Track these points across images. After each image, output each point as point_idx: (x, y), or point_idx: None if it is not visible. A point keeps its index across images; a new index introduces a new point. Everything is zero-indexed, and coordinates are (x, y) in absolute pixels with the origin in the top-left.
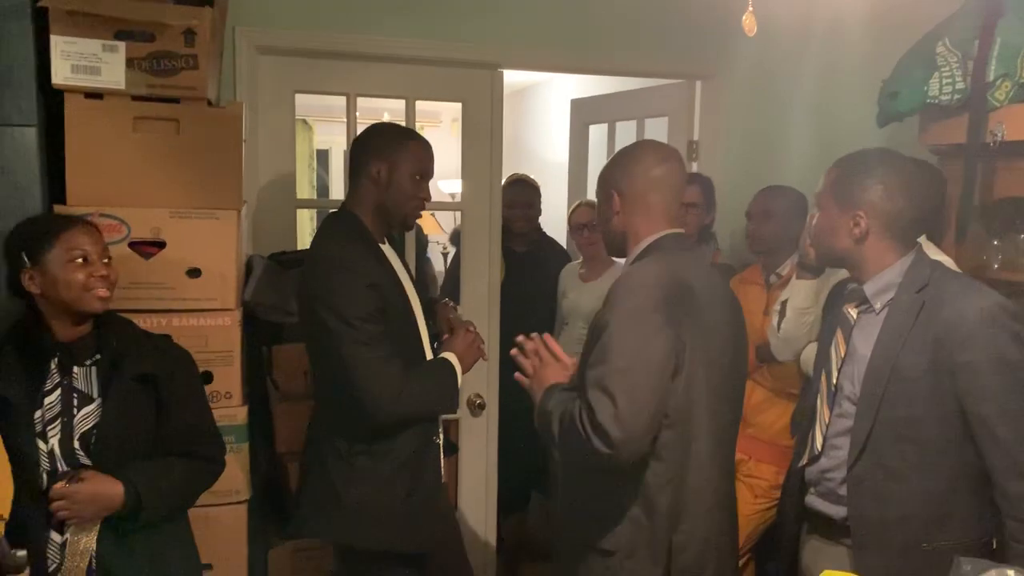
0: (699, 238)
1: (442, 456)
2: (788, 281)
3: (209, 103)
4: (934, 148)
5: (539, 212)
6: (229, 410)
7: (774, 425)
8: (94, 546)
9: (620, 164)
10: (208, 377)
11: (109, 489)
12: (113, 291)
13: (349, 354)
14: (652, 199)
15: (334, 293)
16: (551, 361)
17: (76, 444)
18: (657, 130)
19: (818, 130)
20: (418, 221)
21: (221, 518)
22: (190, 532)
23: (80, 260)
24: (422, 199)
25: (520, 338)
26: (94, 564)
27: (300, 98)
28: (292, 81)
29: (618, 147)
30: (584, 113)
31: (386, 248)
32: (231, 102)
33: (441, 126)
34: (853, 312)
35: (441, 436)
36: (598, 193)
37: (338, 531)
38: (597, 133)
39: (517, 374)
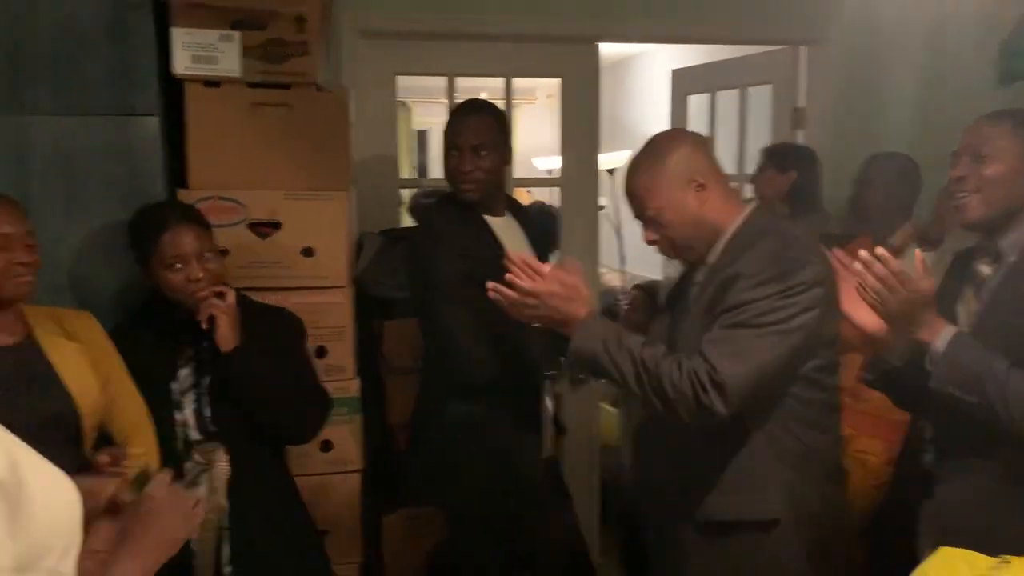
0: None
1: (547, 429)
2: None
3: (317, 87)
4: None
5: None
6: (342, 383)
7: (885, 398)
8: (227, 505)
9: (691, 151)
10: (322, 352)
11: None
12: (216, 283)
13: (444, 317)
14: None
15: (428, 262)
16: (574, 293)
17: (207, 413)
18: (760, 98)
19: (929, 94)
20: (516, 196)
21: (336, 486)
22: (302, 501)
23: (177, 265)
24: (459, 171)
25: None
26: (226, 523)
27: (399, 80)
28: (393, 64)
29: (720, 118)
30: (685, 83)
31: (497, 219)
32: (336, 86)
33: (537, 103)
34: (985, 268)
35: (549, 409)
36: (663, 198)
37: (443, 497)
38: (697, 104)
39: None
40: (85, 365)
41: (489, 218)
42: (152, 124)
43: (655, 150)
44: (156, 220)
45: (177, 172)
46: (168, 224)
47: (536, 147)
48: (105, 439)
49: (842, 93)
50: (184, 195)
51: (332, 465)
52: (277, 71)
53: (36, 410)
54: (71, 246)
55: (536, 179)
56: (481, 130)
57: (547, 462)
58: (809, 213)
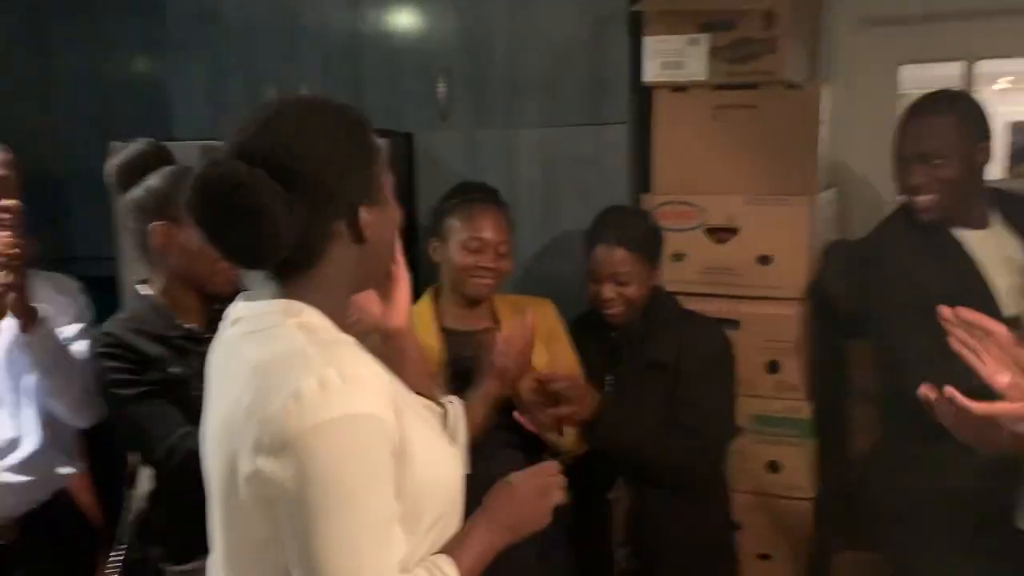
0: None
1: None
2: None
3: (789, 85)
4: None
5: None
6: (794, 403)
7: None
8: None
9: None
10: (774, 367)
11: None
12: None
13: (886, 349)
14: None
15: (868, 286)
16: None
17: None
18: None
19: None
20: None
21: (782, 510)
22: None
23: (596, 279)
24: (906, 185)
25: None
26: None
27: (905, 70)
28: (895, 52)
29: None
30: None
31: (974, 232)
32: (813, 81)
33: None
34: None
35: None
36: None
37: (893, 547)
38: None
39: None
40: (540, 348)
41: (962, 232)
42: (620, 132)
43: None
44: (594, 233)
45: (640, 177)
46: (599, 240)
47: None
48: None
49: None
50: (646, 200)
51: (779, 488)
52: (742, 71)
53: None
54: (544, 244)
55: None
56: (930, 136)
57: None
58: None
